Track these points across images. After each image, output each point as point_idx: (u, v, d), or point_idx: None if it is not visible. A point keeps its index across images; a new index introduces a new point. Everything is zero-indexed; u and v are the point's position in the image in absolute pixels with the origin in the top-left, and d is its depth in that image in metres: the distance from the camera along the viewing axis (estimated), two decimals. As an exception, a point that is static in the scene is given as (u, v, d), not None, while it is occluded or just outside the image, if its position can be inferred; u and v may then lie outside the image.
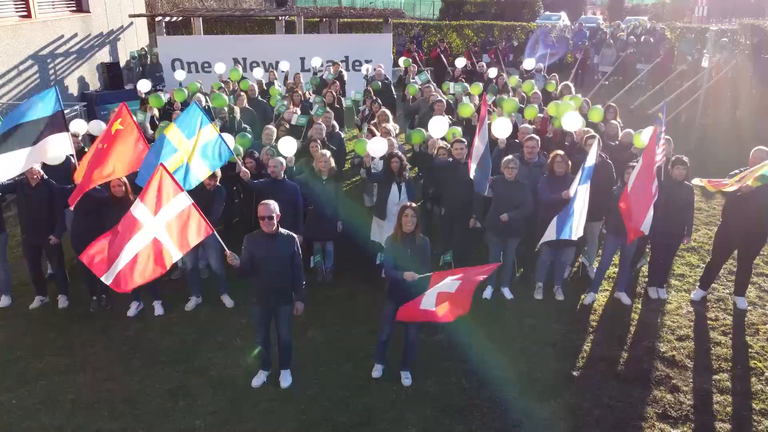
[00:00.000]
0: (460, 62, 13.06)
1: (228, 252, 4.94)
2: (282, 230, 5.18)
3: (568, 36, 20.22)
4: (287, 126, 8.77)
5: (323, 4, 32.77)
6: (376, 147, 6.68)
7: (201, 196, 6.34)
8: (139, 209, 4.76)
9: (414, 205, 5.30)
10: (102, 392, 5.41)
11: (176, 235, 4.80)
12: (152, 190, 4.79)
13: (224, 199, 6.79)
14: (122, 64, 16.54)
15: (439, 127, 7.33)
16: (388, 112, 8.56)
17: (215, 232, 5.01)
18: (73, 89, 14.90)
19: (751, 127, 13.18)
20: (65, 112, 6.88)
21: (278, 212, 5.10)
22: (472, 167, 6.66)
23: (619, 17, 32.22)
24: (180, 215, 4.81)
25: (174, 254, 4.83)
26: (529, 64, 12.63)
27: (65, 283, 6.83)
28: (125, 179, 6.27)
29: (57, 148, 6.56)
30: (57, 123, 6.45)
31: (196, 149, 5.97)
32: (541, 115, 8.43)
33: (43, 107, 6.39)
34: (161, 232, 4.77)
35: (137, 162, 6.19)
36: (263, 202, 5.11)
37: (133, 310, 6.61)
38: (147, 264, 4.76)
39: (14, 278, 7.04)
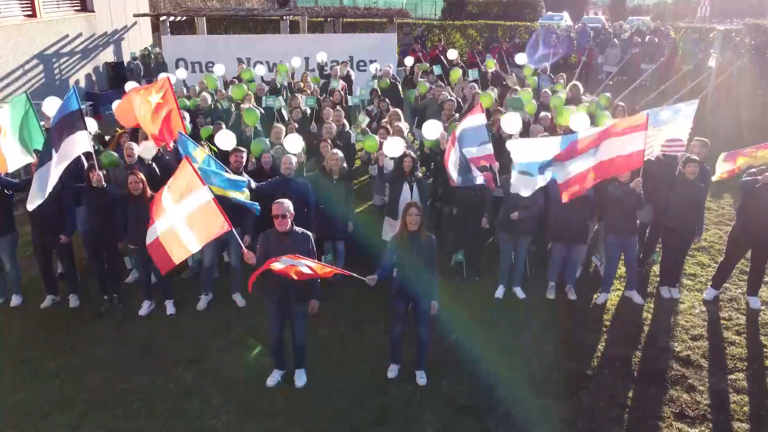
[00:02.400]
0: (452, 54, 13.23)
1: (245, 250, 4.92)
2: (296, 228, 5.16)
3: (573, 36, 20.21)
4: (295, 125, 8.76)
5: (326, 4, 32.73)
6: (392, 147, 6.67)
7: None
8: (165, 194, 4.86)
9: (419, 203, 5.28)
10: (115, 392, 5.38)
11: (195, 228, 4.83)
12: (178, 179, 4.87)
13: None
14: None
15: (432, 130, 7.30)
16: (399, 111, 8.55)
17: (234, 230, 5.00)
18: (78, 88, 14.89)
19: (756, 127, 13.14)
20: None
21: (292, 211, 5.08)
22: (451, 170, 6.58)
23: (621, 17, 32.23)
24: (200, 209, 4.83)
25: (191, 247, 4.86)
26: (521, 59, 12.60)
27: (76, 282, 6.80)
28: (143, 176, 6.24)
29: (79, 146, 6.53)
30: (75, 121, 6.38)
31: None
32: (547, 114, 8.45)
33: (64, 108, 6.38)
34: (180, 223, 4.82)
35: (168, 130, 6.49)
36: (277, 201, 5.08)
37: (144, 309, 6.58)
38: (166, 251, 4.82)
39: (24, 277, 7.01)
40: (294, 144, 6.98)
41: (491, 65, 12.11)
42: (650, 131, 6.62)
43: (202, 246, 4.99)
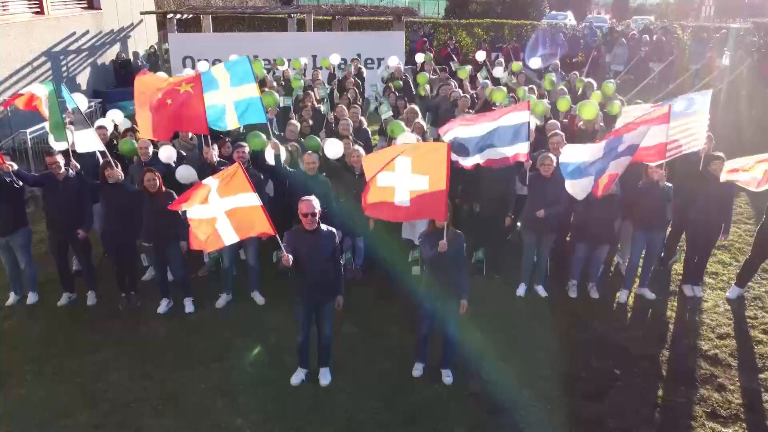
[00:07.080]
0: (480, 56, 13.22)
1: (284, 253, 4.81)
2: (323, 226, 5.08)
3: (579, 35, 20.16)
4: (310, 122, 8.67)
5: (333, 2, 32.61)
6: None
7: None
8: (212, 183, 4.91)
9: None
10: (139, 391, 5.30)
11: (236, 221, 4.90)
12: (225, 176, 4.90)
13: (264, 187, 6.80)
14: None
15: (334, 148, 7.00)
16: (416, 108, 8.45)
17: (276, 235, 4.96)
18: (86, 86, 14.80)
19: (761, 126, 13.08)
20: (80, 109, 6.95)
21: (320, 209, 5.01)
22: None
23: (625, 16, 32.23)
24: (247, 208, 4.86)
25: (228, 238, 4.97)
26: (535, 63, 12.58)
27: (93, 279, 6.71)
28: (158, 173, 6.16)
29: (84, 143, 6.53)
30: (78, 119, 6.50)
31: (234, 98, 6.42)
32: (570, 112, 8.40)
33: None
34: (221, 215, 4.89)
35: (197, 123, 6.40)
36: (304, 198, 5.00)
37: (163, 307, 6.49)
38: (201, 234, 4.97)
39: (40, 275, 6.90)
40: (335, 149, 6.88)
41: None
42: (671, 123, 6.56)
43: (240, 239, 5.07)
